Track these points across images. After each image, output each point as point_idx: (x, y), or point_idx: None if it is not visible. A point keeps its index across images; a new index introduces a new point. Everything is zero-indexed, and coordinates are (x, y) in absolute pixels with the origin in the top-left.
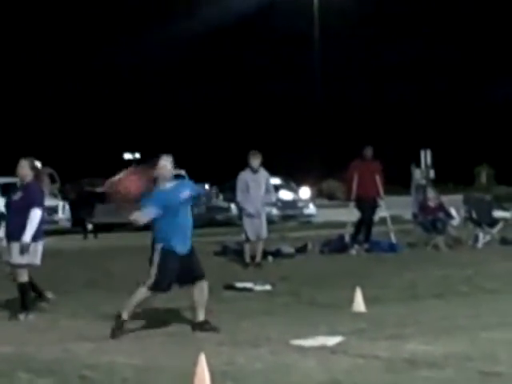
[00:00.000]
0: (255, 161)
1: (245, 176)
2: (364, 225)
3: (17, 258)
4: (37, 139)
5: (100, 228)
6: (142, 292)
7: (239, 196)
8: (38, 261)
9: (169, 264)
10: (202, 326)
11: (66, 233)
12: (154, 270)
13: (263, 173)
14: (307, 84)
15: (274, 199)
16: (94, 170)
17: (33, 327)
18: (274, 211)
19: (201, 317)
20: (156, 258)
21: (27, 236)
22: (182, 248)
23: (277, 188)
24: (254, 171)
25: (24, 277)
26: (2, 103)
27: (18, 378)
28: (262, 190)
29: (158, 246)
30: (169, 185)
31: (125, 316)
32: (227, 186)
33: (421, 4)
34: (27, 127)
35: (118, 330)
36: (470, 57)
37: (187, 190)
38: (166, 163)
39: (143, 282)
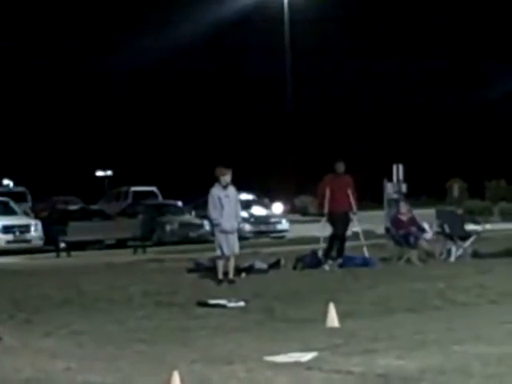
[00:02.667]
0: (225, 176)
1: (216, 192)
2: (337, 240)
3: None
4: (8, 158)
5: (73, 246)
6: None
7: (213, 213)
8: None
9: None
10: None
11: (39, 251)
12: None
13: (232, 188)
14: (279, 99)
15: (240, 219)
16: (67, 188)
17: (5, 347)
18: (247, 227)
19: None
20: None
21: None
22: None
23: (250, 204)
24: (225, 187)
25: None
26: None
27: None
28: (235, 206)
29: None
30: None
31: None
32: (200, 203)
33: (395, 16)
34: None
35: None
36: (441, 71)
37: None
38: None
39: None
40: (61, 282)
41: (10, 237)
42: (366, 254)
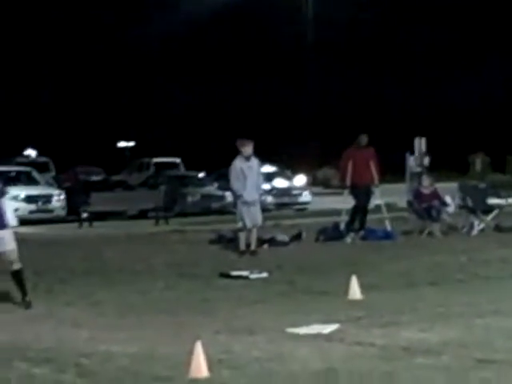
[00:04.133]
0: (247, 148)
1: (239, 164)
2: (359, 212)
3: (13, 244)
4: (32, 128)
5: (95, 216)
6: None
7: (235, 184)
8: None
9: None
10: None
11: (62, 221)
12: None
13: (255, 160)
14: (302, 72)
15: (262, 191)
16: (89, 159)
17: (29, 316)
18: (269, 199)
19: None
20: None
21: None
22: None
23: (272, 176)
24: (247, 158)
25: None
26: None
27: (15, 367)
28: (257, 177)
29: None
30: None
31: None
32: (221, 174)
33: None
34: (22, 116)
35: None
36: (463, 42)
37: None
38: None
39: None
40: (83, 252)
41: (32, 207)
42: (388, 227)
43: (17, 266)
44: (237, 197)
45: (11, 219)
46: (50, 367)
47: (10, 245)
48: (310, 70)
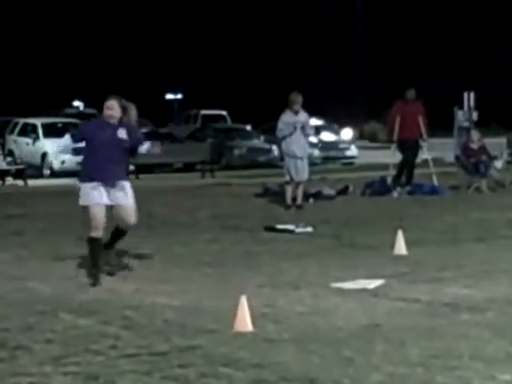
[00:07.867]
0: (297, 104)
1: (287, 117)
2: (406, 167)
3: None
4: (79, 79)
5: (141, 169)
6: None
7: (280, 133)
8: None
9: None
10: None
11: None
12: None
13: (304, 114)
14: (350, 23)
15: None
16: (138, 110)
17: (76, 267)
18: (316, 153)
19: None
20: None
21: None
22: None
23: (319, 129)
24: (296, 112)
25: None
26: (49, 44)
27: (60, 318)
28: (306, 131)
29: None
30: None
31: None
32: (268, 127)
33: None
34: (71, 67)
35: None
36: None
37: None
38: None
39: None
40: None
41: (80, 158)
42: (435, 182)
43: (132, 223)
44: (281, 150)
45: None
46: (95, 319)
47: (131, 198)
48: (360, 19)
